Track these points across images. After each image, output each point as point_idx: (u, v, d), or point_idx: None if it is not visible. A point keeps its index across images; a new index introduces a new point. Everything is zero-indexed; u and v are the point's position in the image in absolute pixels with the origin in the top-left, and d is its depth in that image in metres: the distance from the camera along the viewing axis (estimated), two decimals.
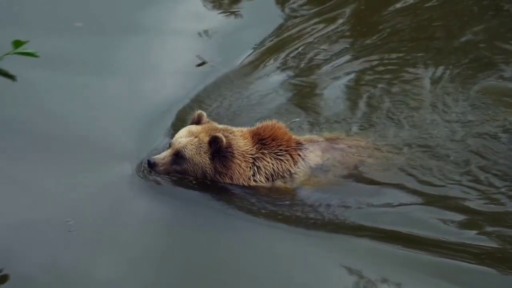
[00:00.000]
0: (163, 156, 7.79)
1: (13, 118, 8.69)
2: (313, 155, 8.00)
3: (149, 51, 10.47)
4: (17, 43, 5.07)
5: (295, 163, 7.92)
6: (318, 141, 8.14)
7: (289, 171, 7.90)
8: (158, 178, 7.83)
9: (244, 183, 7.85)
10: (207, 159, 7.75)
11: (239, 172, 7.82)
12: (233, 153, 7.79)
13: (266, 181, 7.88)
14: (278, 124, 8.02)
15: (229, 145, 7.78)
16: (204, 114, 8.02)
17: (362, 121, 8.86)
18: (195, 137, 7.78)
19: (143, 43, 10.54)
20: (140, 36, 10.64)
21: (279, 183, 7.90)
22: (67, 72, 9.61)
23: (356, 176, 7.99)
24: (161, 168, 7.78)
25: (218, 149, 7.74)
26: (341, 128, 8.72)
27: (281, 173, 7.89)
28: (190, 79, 9.81)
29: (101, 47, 10.27)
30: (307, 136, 8.33)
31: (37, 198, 7.63)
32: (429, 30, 10.71)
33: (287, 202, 7.75)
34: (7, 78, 5.16)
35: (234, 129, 8.02)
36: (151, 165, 7.75)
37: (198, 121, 8.01)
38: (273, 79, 9.85)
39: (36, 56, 5.16)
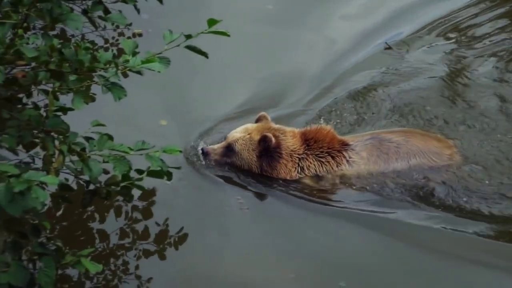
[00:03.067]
0: (216, 147, 8.15)
1: None
2: (358, 157, 8.05)
3: None
4: (211, 22, 5.32)
5: (338, 164, 8.04)
6: (365, 139, 8.14)
7: (331, 173, 8.04)
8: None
9: (290, 178, 8.05)
10: (254, 156, 8.02)
11: (284, 172, 8.06)
12: (280, 153, 8.03)
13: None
14: (323, 126, 8.17)
15: (278, 145, 8.02)
16: (266, 115, 8.26)
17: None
18: (248, 134, 8.07)
19: None
20: None
21: (323, 182, 8.05)
22: None
23: (400, 176, 8.00)
24: (213, 158, 8.12)
25: (266, 148, 7.97)
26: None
27: (322, 176, 8.04)
28: None
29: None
30: (354, 135, 8.36)
31: None
32: None
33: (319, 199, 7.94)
34: (200, 55, 5.44)
35: (287, 129, 8.21)
36: (204, 154, 8.12)
37: (258, 121, 8.28)
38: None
39: (227, 35, 5.39)
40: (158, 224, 7.38)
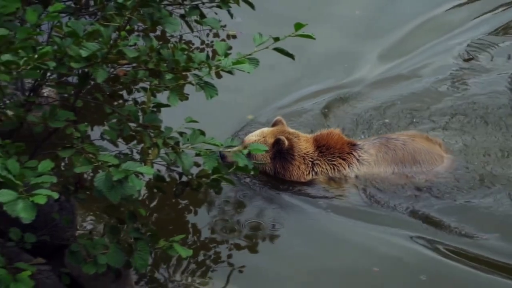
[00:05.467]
0: (236, 149, 8.12)
1: None
2: (367, 155, 8.22)
3: None
4: (298, 25, 5.54)
5: (350, 165, 8.21)
6: (372, 139, 8.35)
7: (343, 174, 8.20)
8: None
9: (302, 180, 8.21)
10: (268, 158, 8.15)
11: (297, 174, 8.22)
12: (293, 155, 8.19)
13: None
14: (332, 131, 8.33)
15: (291, 147, 8.17)
16: (282, 120, 8.38)
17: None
18: (263, 137, 8.19)
19: None
20: None
21: (335, 182, 8.22)
22: None
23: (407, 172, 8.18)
24: (230, 160, 8.03)
25: (279, 150, 8.11)
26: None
27: (337, 177, 8.20)
28: None
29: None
30: (361, 139, 8.58)
31: None
32: None
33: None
34: (287, 56, 5.67)
35: (302, 134, 8.37)
36: (221, 157, 7.96)
37: (274, 125, 8.40)
38: None
39: (313, 38, 5.57)
40: (244, 218, 7.75)
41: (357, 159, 8.27)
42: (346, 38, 10.55)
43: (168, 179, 7.47)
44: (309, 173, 8.28)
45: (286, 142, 8.15)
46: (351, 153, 8.30)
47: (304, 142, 8.31)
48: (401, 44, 10.54)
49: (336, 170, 8.27)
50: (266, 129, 8.39)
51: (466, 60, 10.23)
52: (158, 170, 6.34)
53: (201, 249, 7.34)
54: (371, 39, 10.62)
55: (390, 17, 11.03)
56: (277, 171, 8.27)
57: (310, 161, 8.27)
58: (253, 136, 8.27)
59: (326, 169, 8.28)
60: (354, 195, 8.10)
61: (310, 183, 8.25)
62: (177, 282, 6.99)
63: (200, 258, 7.25)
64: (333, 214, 7.92)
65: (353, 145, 8.35)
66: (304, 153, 8.26)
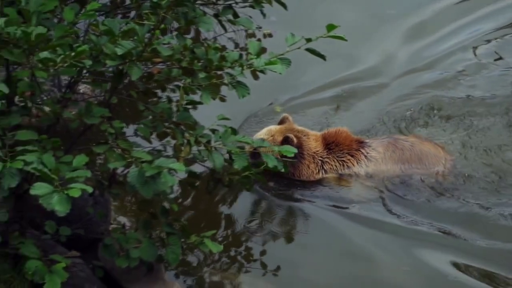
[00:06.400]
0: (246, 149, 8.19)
1: None
2: (375, 152, 8.25)
3: None
4: (330, 27, 5.57)
5: (358, 161, 8.22)
6: (381, 138, 8.41)
7: (353, 170, 8.22)
8: None
9: (312, 179, 8.21)
10: (278, 157, 7.93)
11: (306, 173, 8.21)
12: (302, 153, 8.15)
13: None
14: (340, 129, 8.35)
15: (300, 146, 8.10)
16: (289, 117, 8.37)
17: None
18: (271, 135, 8.14)
19: None
20: None
21: (345, 180, 8.23)
22: None
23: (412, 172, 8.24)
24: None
25: None
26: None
27: (346, 174, 8.22)
28: None
29: None
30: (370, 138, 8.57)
31: None
32: None
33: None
34: (318, 57, 5.72)
35: (310, 132, 8.33)
36: None
37: (281, 123, 8.38)
38: None
39: (344, 40, 5.57)
40: (274, 215, 7.86)
41: (365, 156, 8.31)
42: (354, 34, 10.51)
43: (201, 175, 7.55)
44: (318, 171, 8.30)
45: (295, 140, 8.11)
46: (359, 150, 8.34)
47: (313, 141, 8.33)
48: (408, 40, 10.54)
49: (345, 166, 8.31)
50: (273, 127, 8.39)
51: (480, 54, 10.29)
52: (206, 167, 6.41)
53: (233, 244, 7.44)
54: (379, 34, 10.67)
55: (398, 11, 11.04)
56: None
57: (319, 160, 8.30)
58: (261, 136, 8.24)
59: (335, 166, 8.31)
60: (373, 200, 8.16)
61: (325, 182, 8.29)
62: (207, 275, 7.10)
63: (232, 253, 7.35)
64: (356, 218, 7.98)
65: (361, 143, 8.41)
66: (314, 152, 8.29)
